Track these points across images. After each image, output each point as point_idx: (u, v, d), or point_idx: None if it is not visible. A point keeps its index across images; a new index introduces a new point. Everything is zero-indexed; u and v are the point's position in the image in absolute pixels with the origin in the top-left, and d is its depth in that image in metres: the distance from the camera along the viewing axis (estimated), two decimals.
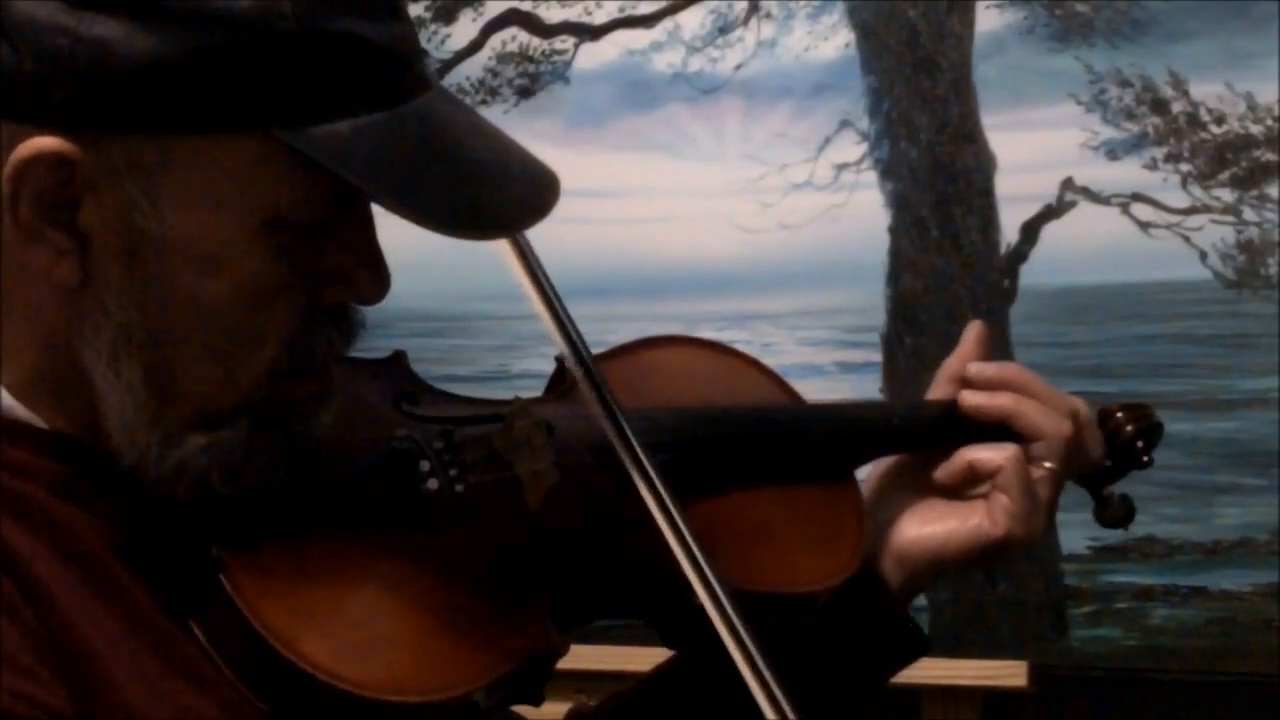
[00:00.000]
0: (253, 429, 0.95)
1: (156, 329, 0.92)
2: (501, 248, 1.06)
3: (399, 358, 1.14)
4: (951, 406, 1.24)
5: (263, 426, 0.95)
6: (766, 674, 0.99)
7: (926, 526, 1.21)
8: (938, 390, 1.27)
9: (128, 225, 0.90)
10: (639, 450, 1.04)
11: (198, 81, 0.87)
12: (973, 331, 1.28)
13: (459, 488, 1.03)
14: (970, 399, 1.23)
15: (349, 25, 0.89)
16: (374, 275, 0.96)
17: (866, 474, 1.27)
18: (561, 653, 1.00)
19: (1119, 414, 1.29)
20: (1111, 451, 1.28)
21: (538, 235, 1.01)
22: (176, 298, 0.91)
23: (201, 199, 0.90)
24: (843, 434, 1.24)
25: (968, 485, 1.22)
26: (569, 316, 1.07)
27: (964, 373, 1.25)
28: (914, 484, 1.25)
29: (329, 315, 0.96)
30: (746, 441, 1.19)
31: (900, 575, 1.21)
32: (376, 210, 0.95)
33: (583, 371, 1.06)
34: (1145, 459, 1.29)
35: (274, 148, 0.89)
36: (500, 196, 0.94)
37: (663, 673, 1.24)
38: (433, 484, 1.02)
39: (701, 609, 1.01)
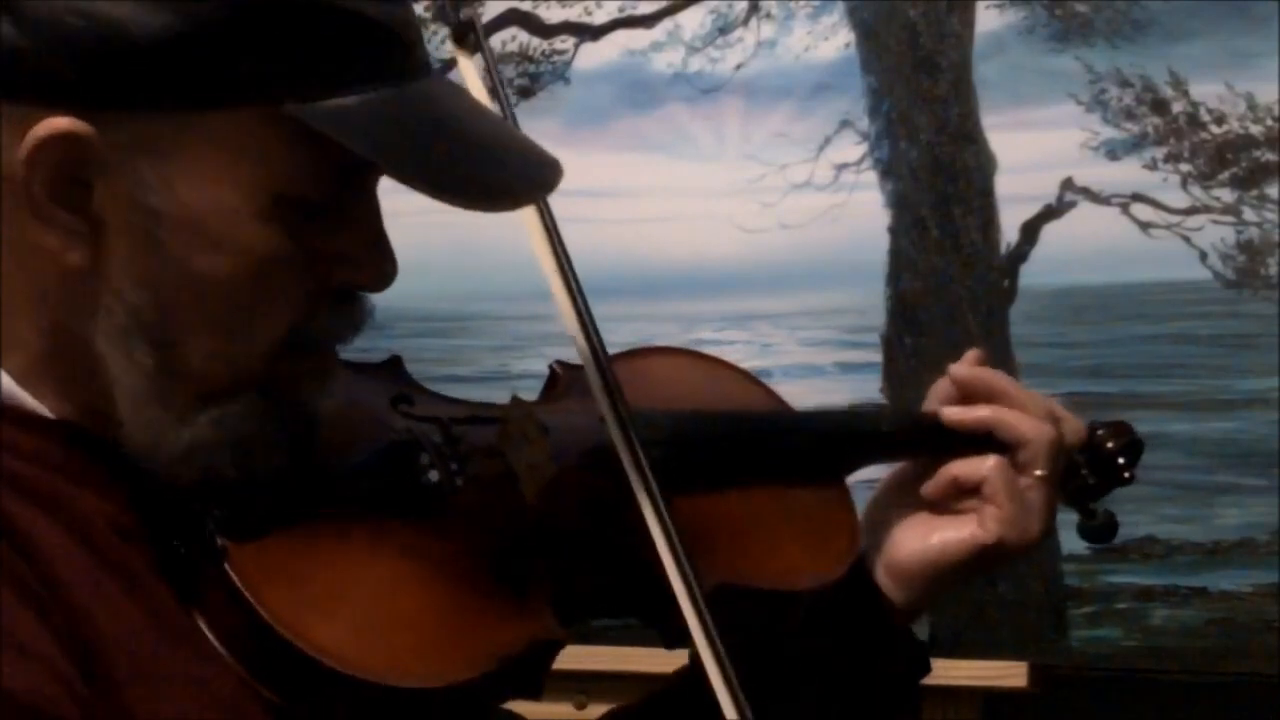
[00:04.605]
0: (257, 404, 0.95)
1: (167, 308, 0.92)
2: (526, 218, 1.08)
3: (395, 362, 1.15)
4: (937, 416, 1.25)
5: (267, 401, 0.96)
6: (734, 679, 0.99)
7: (922, 540, 1.22)
8: (929, 407, 1.28)
9: (140, 205, 0.91)
10: (630, 431, 1.04)
11: (208, 57, 0.88)
12: (967, 358, 1.28)
13: (458, 480, 1.04)
14: (951, 415, 1.24)
15: (355, 3, 0.90)
16: (380, 260, 0.97)
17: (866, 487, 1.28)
18: (562, 643, 1.01)
19: (1099, 431, 1.31)
20: (1094, 469, 1.30)
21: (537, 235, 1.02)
22: (187, 276, 0.92)
23: (213, 176, 0.90)
24: (833, 437, 1.25)
25: (957, 499, 1.23)
26: (584, 297, 1.08)
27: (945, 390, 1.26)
28: (908, 502, 1.25)
29: (335, 298, 0.97)
30: (740, 442, 1.21)
31: (900, 591, 1.23)
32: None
33: (587, 343, 1.07)
34: (1127, 475, 1.31)
35: (284, 125, 0.90)
36: (506, 172, 0.95)
37: (675, 683, 1.24)
38: (434, 475, 1.04)
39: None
